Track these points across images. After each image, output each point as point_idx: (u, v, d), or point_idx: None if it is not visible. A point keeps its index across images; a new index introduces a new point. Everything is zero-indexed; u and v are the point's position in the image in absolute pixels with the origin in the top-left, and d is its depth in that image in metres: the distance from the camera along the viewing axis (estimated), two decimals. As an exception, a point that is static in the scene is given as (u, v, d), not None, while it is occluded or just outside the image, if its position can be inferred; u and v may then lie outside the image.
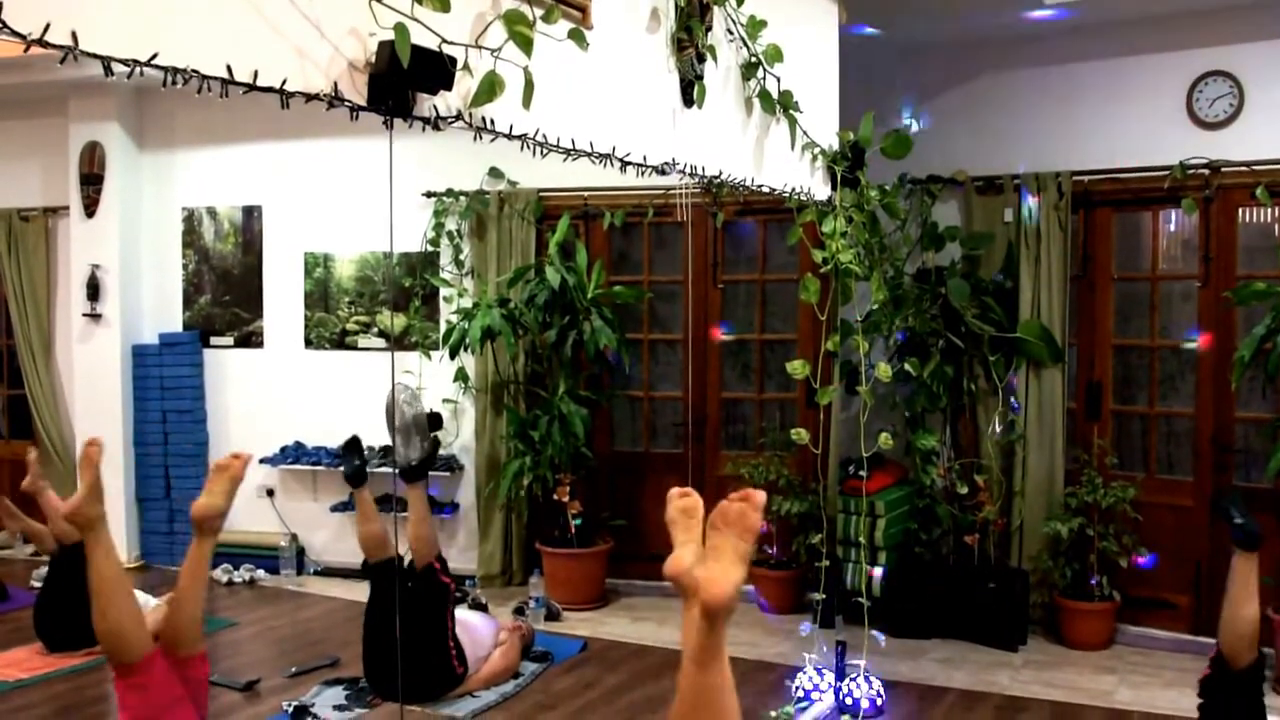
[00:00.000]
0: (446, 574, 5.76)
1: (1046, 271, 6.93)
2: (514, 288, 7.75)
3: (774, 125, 5.23)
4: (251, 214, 8.79)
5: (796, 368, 5.67)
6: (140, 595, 5.47)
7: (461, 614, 6.08)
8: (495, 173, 8.05)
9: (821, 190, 5.68)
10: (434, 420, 6.87)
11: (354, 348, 8.53)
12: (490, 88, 3.31)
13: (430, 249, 8.23)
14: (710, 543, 2.33)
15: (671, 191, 7.43)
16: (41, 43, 2.27)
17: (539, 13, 3.39)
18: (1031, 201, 6.94)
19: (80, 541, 6.29)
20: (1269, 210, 6.54)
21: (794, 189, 5.40)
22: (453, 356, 7.62)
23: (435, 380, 8.10)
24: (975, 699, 5.90)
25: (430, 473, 7.57)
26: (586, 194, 7.91)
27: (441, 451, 8.16)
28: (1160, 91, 6.80)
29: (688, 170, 4.57)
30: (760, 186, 5.17)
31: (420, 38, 2.99)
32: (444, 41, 3.12)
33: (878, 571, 6.84)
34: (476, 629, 6.03)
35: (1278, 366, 5.88)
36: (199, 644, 3.65)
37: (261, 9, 2.75)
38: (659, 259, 8.09)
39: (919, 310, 6.98)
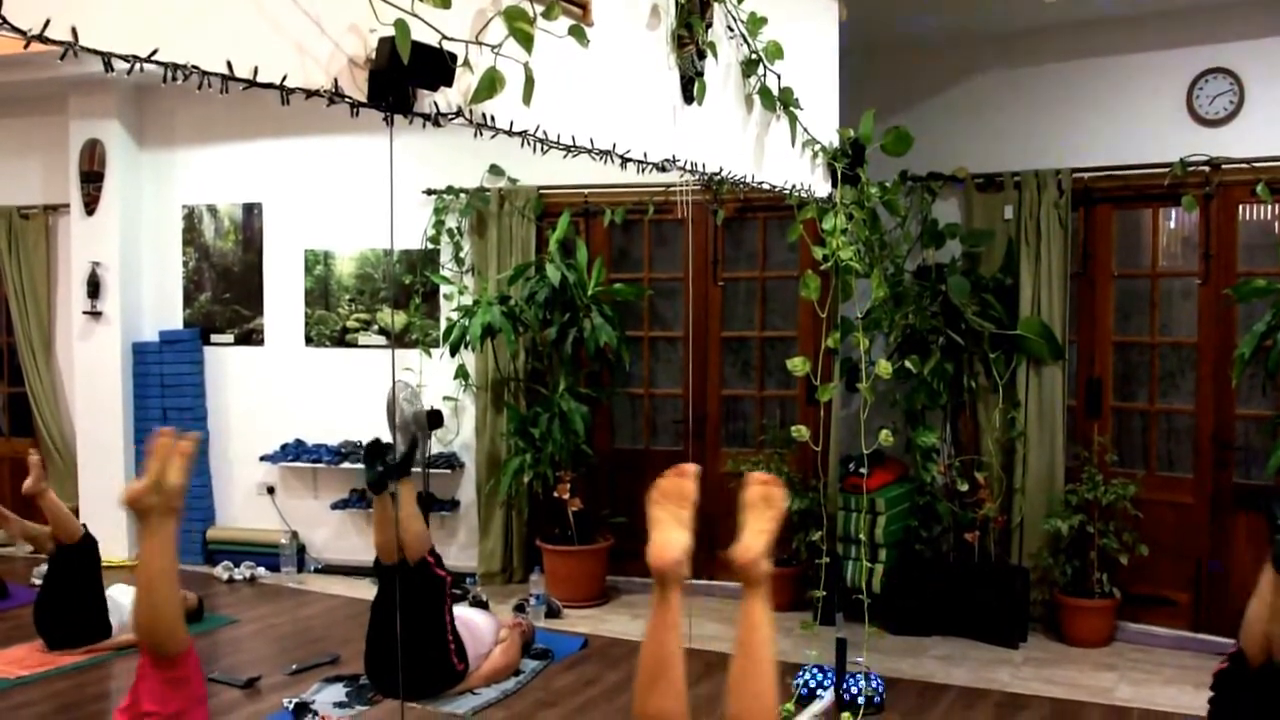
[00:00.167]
0: (441, 568, 5.75)
1: (1047, 269, 6.93)
2: (514, 285, 7.75)
3: (774, 122, 5.23)
4: (252, 211, 8.78)
5: (797, 365, 5.67)
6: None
7: (462, 611, 6.08)
8: (496, 170, 8.05)
9: (822, 187, 5.68)
10: (434, 418, 6.87)
11: (354, 345, 8.53)
12: (491, 84, 3.30)
13: (430, 246, 8.23)
14: (652, 515, 2.82)
15: (672, 189, 7.44)
16: (41, 39, 2.26)
17: (539, 9, 3.39)
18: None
19: (79, 542, 6.37)
20: (1269, 207, 6.54)
21: (794, 186, 5.40)
22: (453, 354, 7.63)
23: (436, 378, 8.10)
24: (975, 696, 5.90)
25: (431, 470, 7.63)
26: (587, 191, 7.91)
27: (442, 449, 8.18)
28: (1160, 89, 6.79)
29: (688, 167, 4.56)
30: (761, 183, 5.17)
31: (421, 34, 2.99)
32: (444, 38, 3.12)
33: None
34: (477, 626, 6.03)
35: (1278, 363, 5.87)
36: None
37: (262, 5, 2.75)
38: (659, 256, 8.09)
39: (919, 307, 6.98)
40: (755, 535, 2.82)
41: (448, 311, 8.05)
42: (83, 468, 8.73)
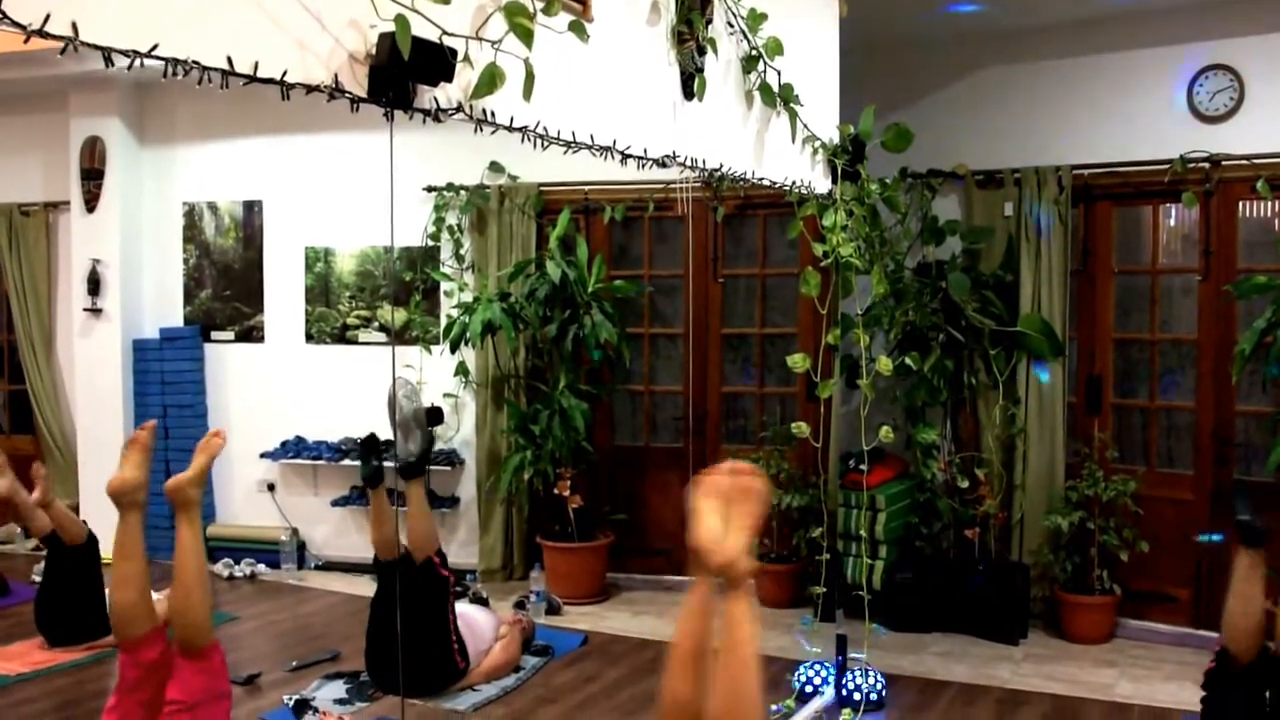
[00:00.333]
0: (446, 568, 5.76)
1: (1047, 265, 6.93)
2: (514, 282, 7.75)
3: (774, 118, 5.23)
4: (252, 209, 8.78)
5: (797, 361, 5.67)
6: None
7: (462, 608, 6.08)
8: (496, 167, 8.05)
9: (822, 184, 5.68)
10: (434, 415, 6.87)
11: (355, 342, 8.53)
12: (491, 80, 3.30)
13: (431, 243, 8.23)
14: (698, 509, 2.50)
15: (672, 186, 7.45)
16: (41, 33, 2.26)
17: (539, 5, 3.39)
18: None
19: (80, 540, 6.38)
20: (1269, 204, 6.54)
21: (794, 182, 5.40)
22: (453, 351, 7.63)
23: (436, 375, 8.11)
24: (976, 692, 5.91)
25: (430, 467, 7.62)
26: (587, 188, 7.92)
27: (442, 446, 8.18)
28: (1161, 85, 6.79)
29: (688, 163, 4.56)
30: (761, 180, 5.17)
31: (421, 29, 2.99)
32: (444, 33, 3.12)
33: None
34: (477, 623, 6.04)
35: (1279, 360, 5.87)
36: (152, 622, 3.67)
37: (261, 1, 2.74)
38: (659, 253, 8.09)
39: (919, 304, 6.98)
40: (734, 532, 2.53)
41: (448, 308, 8.05)
42: (83, 465, 8.72)
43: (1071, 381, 7.04)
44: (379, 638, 5.70)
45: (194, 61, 2.61)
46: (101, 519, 7.19)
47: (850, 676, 5.60)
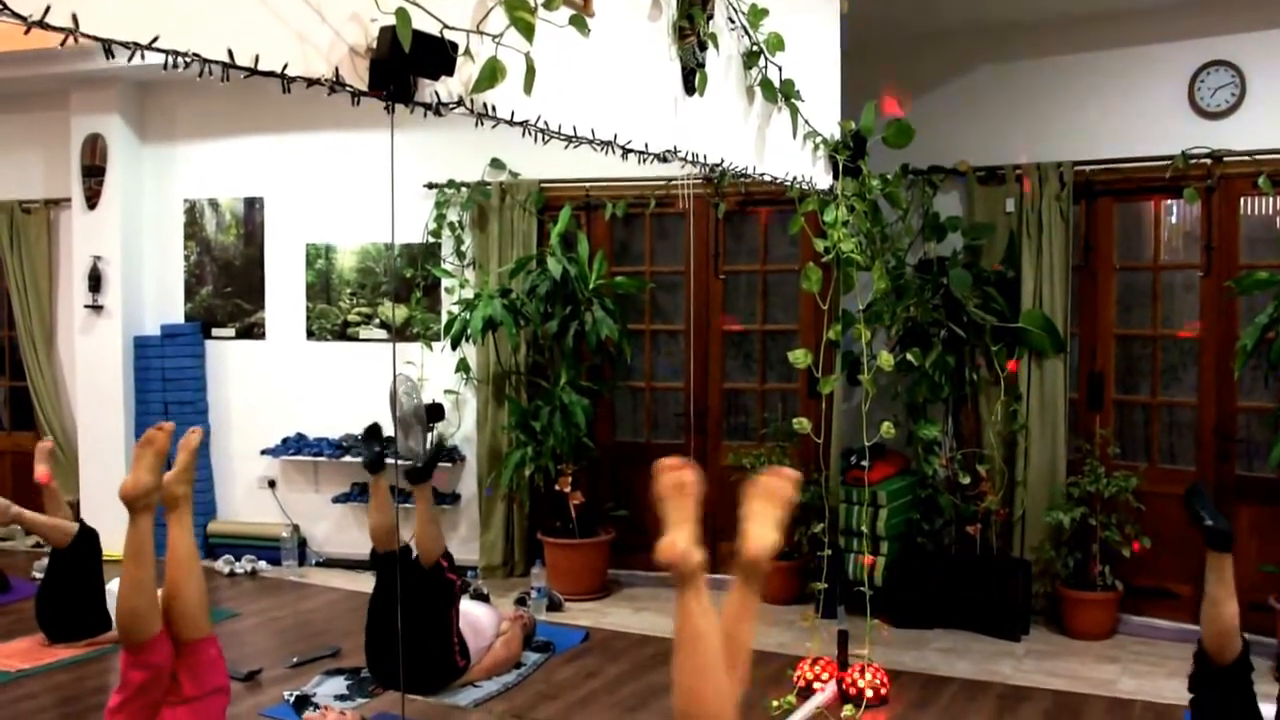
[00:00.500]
0: (453, 571, 5.76)
1: (1048, 261, 6.92)
2: (515, 278, 7.74)
3: (775, 114, 5.23)
4: (253, 205, 8.78)
5: (798, 357, 5.67)
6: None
7: (463, 604, 6.08)
8: (497, 164, 8.05)
9: (823, 179, 5.68)
10: (435, 411, 6.87)
11: (355, 339, 8.53)
12: (492, 74, 3.30)
13: (432, 240, 8.22)
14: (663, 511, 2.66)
15: (673, 182, 7.44)
16: (42, 24, 2.26)
17: (540, -1, 3.39)
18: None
19: (78, 539, 6.37)
20: (1271, 200, 6.53)
21: (796, 178, 5.40)
22: (454, 347, 7.63)
23: (437, 371, 8.11)
24: (978, 688, 5.90)
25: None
26: (588, 185, 7.91)
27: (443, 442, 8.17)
28: (1162, 81, 6.78)
29: (689, 158, 4.56)
30: (762, 175, 5.17)
31: (421, 23, 2.99)
32: (445, 27, 3.12)
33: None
34: (478, 619, 6.03)
35: (1280, 356, 5.87)
36: (159, 625, 3.65)
37: (262, -7, 2.74)
38: (660, 250, 8.08)
39: (921, 300, 6.97)
40: (768, 532, 2.81)
41: (449, 305, 8.04)
42: (84, 461, 8.73)
43: (1073, 378, 7.04)
44: (378, 634, 5.70)
45: (194, 54, 2.60)
46: (102, 515, 7.23)
47: (852, 668, 5.60)
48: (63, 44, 2.35)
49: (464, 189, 8.14)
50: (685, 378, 7.87)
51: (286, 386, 8.65)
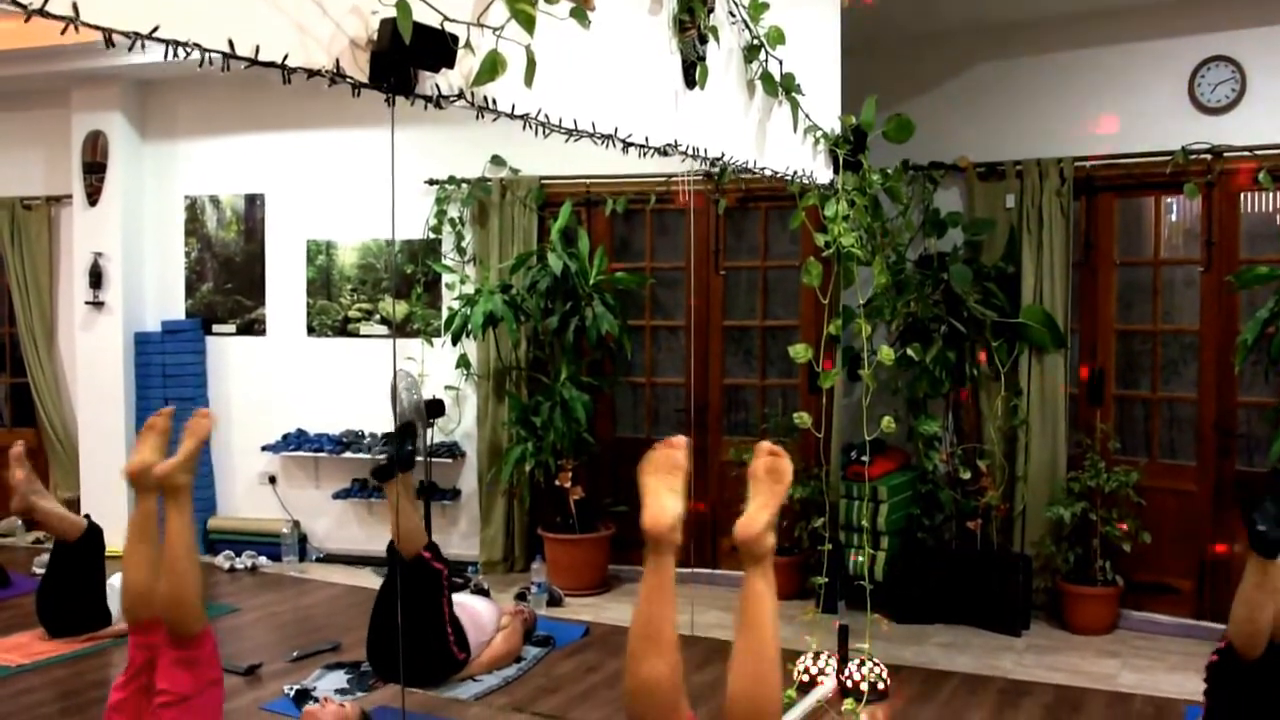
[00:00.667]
0: (439, 560, 5.74)
1: (1049, 257, 6.93)
2: (516, 274, 7.74)
3: (776, 108, 5.22)
4: (254, 202, 8.78)
5: (799, 351, 5.66)
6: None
7: (463, 599, 6.09)
8: (497, 160, 8.05)
9: (824, 174, 5.67)
10: (435, 407, 6.89)
11: (356, 335, 8.53)
12: (492, 66, 3.30)
13: (432, 236, 8.23)
14: (645, 484, 2.84)
15: (673, 178, 7.44)
16: (42, 13, 2.26)
17: (541, -10, 3.38)
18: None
19: (79, 540, 6.37)
20: (1271, 195, 6.53)
21: (796, 172, 5.39)
22: (454, 342, 7.63)
23: (437, 367, 8.11)
24: (978, 683, 5.90)
25: (432, 459, 7.62)
26: (589, 181, 7.91)
27: (444, 438, 8.18)
28: (1162, 77, 6.78)
29: (690, 152, 4.56)
30: (763, 169, 5.17)
31: (422, 15, 2.99)
32: (446, 19, 3.11)
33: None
34: (478, 613, 6.04)
35: (1280, 351, 5.87)
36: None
37: (263, -16, 2.74)
38: (661, 246, 8.08)
39: (921, 295, 6.97)
40: (759, 509, 2.81)
41: (449, 301, 8.05)
42: (84, 458, 8.74)
43: (1073, 373, 7.04)
44: (377, 628, 5.72)
45: (194, 44, 2.60)
46: (103, 511, 7.25)
47: (852, 667, 5.60)
48: (63, 32, 2.35)
49: (464, 185, 8.14)
50: (686, 373, 7.87)
51: (287, 383, 8.66)
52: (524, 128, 3.66)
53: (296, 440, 8.51)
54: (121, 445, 8.45)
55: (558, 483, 7.56)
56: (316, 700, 5.12)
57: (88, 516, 6.62)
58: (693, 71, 4.48)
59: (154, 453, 3.71)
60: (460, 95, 3.33)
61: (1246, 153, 6.45)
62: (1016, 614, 6.72)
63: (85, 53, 7.89)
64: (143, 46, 2.52)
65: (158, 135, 8.84)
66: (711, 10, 4.54)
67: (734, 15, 4.80)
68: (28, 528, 8.73)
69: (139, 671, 3.59)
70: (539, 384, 7.84)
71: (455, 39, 3.14)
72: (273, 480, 8.67)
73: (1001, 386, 7.01)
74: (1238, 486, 6.52)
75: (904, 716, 5.50)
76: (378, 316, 8.51)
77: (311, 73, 2.90)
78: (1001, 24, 7.16)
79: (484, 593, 6.73)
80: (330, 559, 8.46)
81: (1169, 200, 6.90)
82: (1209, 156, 6.56)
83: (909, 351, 6.57)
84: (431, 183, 8.18)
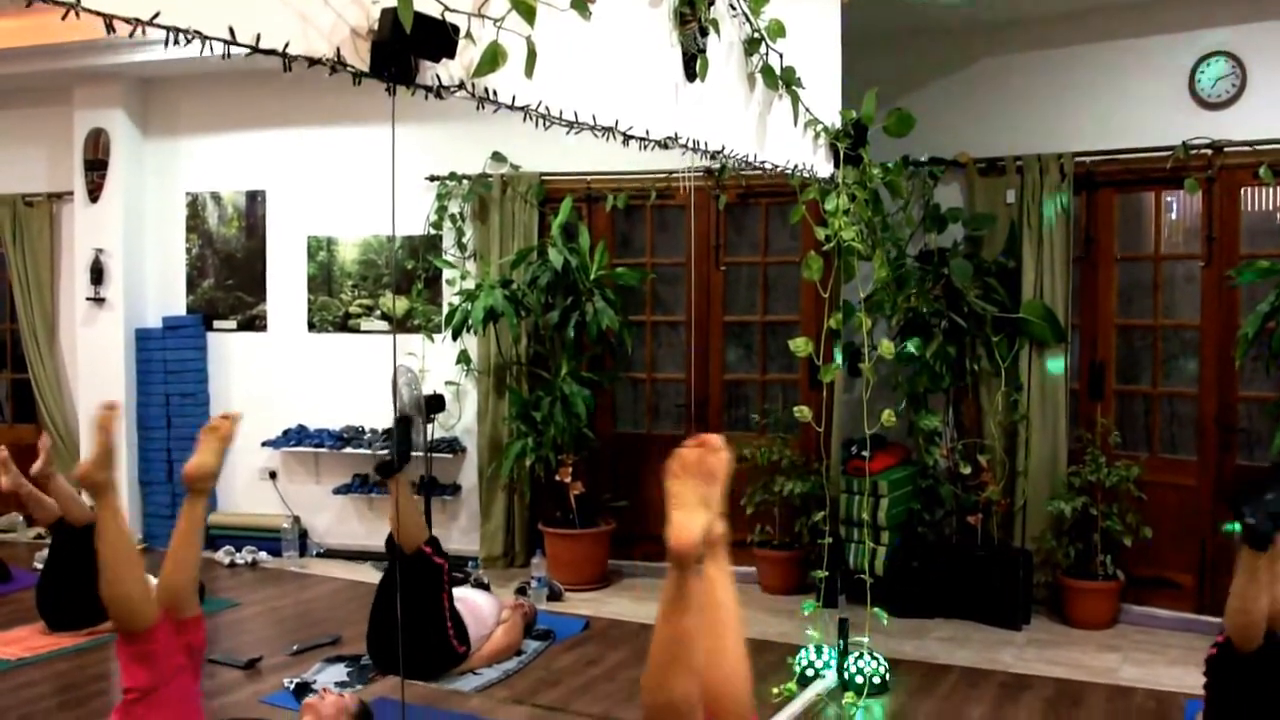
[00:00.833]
0: (440, 555, 5.75)
1: (1049, 252, 6.93)
2: (517, 269, 7.75)
3: (776, 101, 5.22)
4: (255, 198, 8.79)
5: (799, 345, 5.66)
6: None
7: (464, 592, 6.10)
8: (498, 157, 8.05)
9: (824, 168, 5.67)
10: (435, 402, 6.89)
11: (357, 331, 8.54)
12: (493, 57, 3.30)
13: (433, 232, 8.23)
14: (672, 491, 2.34)
15: (674, 174, 7.45)
16: (44, -2, 2.26)
17: (542, -19, 3.38)
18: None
19: (84, 526, 6.36)
20: (1272, 190, 6.54)
21: (796, 166, 5.39)
22: (455, 337, 7.64)
23: (438, 363, 8.12)
24: (979, 676, 5.91)
25: (433, 455, 7.63)
26: (589, 178, 7.92)
27: (444, 434, 8.18)
28: (1162, 72, 6.78)
29: (690, 145, 4.56)
30: (763, 163, 5.16)
31: (423, 5, 2.99)
32: (446, 9, 3.11)
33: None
34: (479, 607, 6.04)
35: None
36: (195, 607, 3.66)
37: (264, -27, 2.74)
38: (661, 242, 8.09)
39: (921, 290, 6.97)
40: (689, 515, 2.32)
41: (450, 296, 8.05)
42: (85, 453, 8.70)
43: (1074, 368, 7.04)
44: (376, 622, 5.74)
45: (195, 31, 2.60)
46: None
47: (852, 660, 5.61)
48: (64, 17, 2.35)
49: (465, 181, 8.14)
50: (686, 368, 7.88)
51: (288, 378, 8.67)
52: (524, 119, 3.65)
53: (297, 436, 8.52)
54: (122, 441, 8.46)
55: (558, 478, 7.56)
56: (316, 692, 5.12)
57: (92, 508, 6.61)
58: (693, 64, 4.47)
59: (214, 456, 3.71)
60: (461, 86, 3.32)
61: (1247, 147, 6.45)
62: (1017, 608, 6.72)
63: (87, 50, 7.90)
64: (143, 33, 2.51)
65: (159, 132, 8.85)
66: (712, 3, 4.54)
67: (734, 8, 4.80)
68: (29, 523, 8.73)
69: (179, 670, 3.58)
70: (539, 379, 7.84)
71: (456, 29, 3.14)
72: (273, 476, 8.68)
73: (1002, 381, 7.01)
74: (1238, 481, 6.52)
75: (905, 710, 5.50)
76: (378, 312, 8.52)
77: (312, 61, 2.89)
78: (1002, 19, 7.16)
79: (484, 587, 6.73)
80: (330, 554, 8.46)
81: (1169, 195, 6.90)
82: (1209, 151, 6.56)
83: (909, 346, 6.57)
84: (432, 179, 8.18)
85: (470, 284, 7.81)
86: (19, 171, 9.15)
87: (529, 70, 3.40)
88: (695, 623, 2.38)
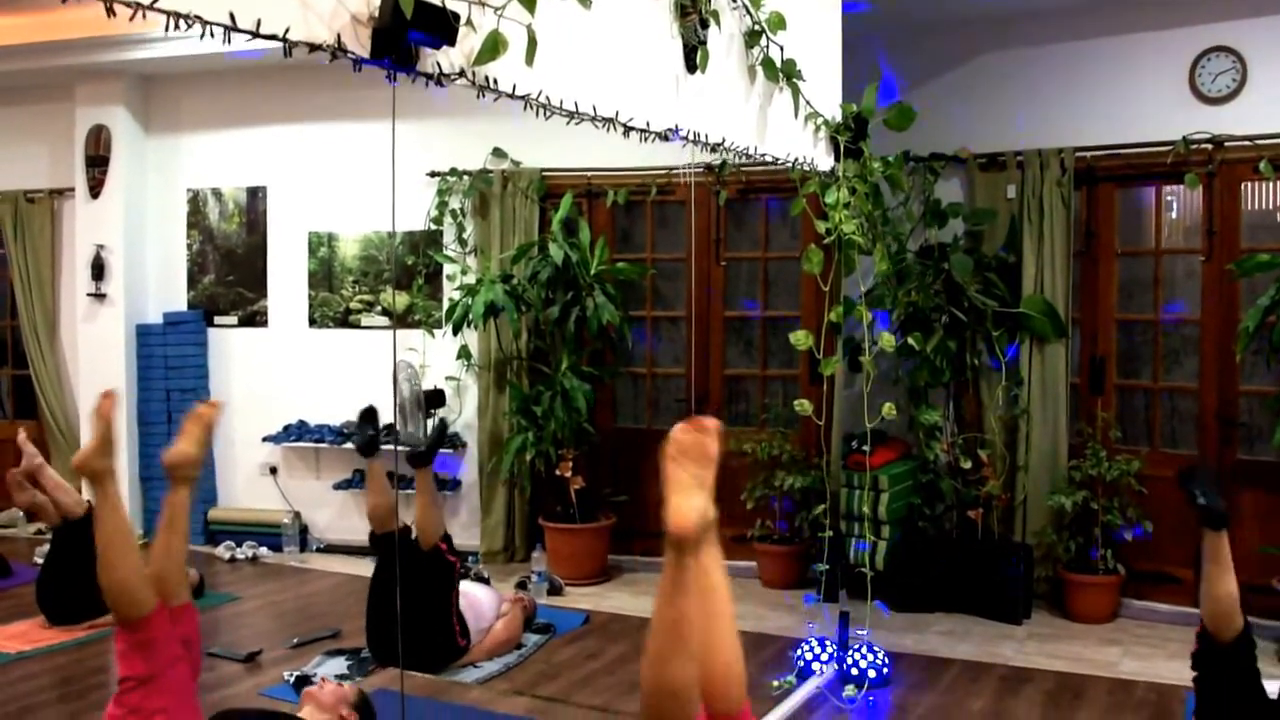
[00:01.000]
0: (453, 552, 5.78)
1: (1049, 247, 6.93)
2: (518, 264, 7.75)
3: (777, 94, 5.22)
4: (256, 195, 8.79)
5: (800, 338, 5.67)
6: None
7: (464, 586, 6.09)
8: (499, 153, 8.05)
9: (825, 161, 5.67)
10: (435, 397, 6.89)
11: (358, 326, 8.54)
12: (494, 46, 3.30)
13: (434, 227, 8.23)
14: (669, 474, 2.36)
15: (674, 170, 7.45)
16: (44, -20, 2.27)
17: (542, -31, 3.38)
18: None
19: (83, 517, 6.36)
20: (1272, 185, 6.53)
21: (797, 159, 5.39)
22: (455, 332, 7.64)
23: (438, 358, 8.12)
24: (980, 669, 5.91)
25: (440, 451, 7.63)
26: (590, 174, 7.92)
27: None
28: (1163, 67, 6.78)
29: (690, 137, 4.56)
30: (763, 155, 5.16)
31: (424, -9, 2.99)
32: (447, -5, 3.12)
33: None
34: (479, 600, 6.05)
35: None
36: (184, 594, 3.64)
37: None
38: (662, 238, 8.09)
39: (922, 285, 6.97)
40: (686, 498, 2.35)
41: (450, 291, 8.05)
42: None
43: (1074, 363, 7.04)
44: (379, 615, 5.73)
45: (195, 16, 2.60)
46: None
47: (853, 650, 5.61)
48: (64, 1, 2.35)
49: (466, 177, 8.14)
50: (686, 364, 7.88)
51: (288, 374, 8.67)
52: (525, 108, 3.65)
53: (297, 431, 8.52)
54: (123, 436, 8.46)
55: (558, 472, 7.56)
56: (315, 684, 5.12)
57: (88, 501, 6.62)
58: (694, 56, 4.47)
59: (195, 444, 3.67)
60: (461, 74, 3.32)
61: (1247, 142, 6.45)
62: (1017, 603, 6.72)
63: (89, 47, 7.91)
64: (144, 16, 2.51)
65: (161, 129, 8.86)
66: (713, -6, 4.55)
67: (735, 0, 4.80)
68: (29, 519, 8.72)
69: (176, 658, 3.57)
70: (540, 374, 7.84)
71: (457, 16, 3.14)
72: (274, 471, 8.68)
73: (1002, 376, 7.01)
74: (1240, 475, 6.52)
75: (906, 702, 5.50)
76: (379, 308, 8.52)
77: (313, 47, 2.89)
78: (1002, 14, 7.16)
79: (484, 581, 6.73)
80: (331, 549, 8.47)
81: (1169, 191, 6.90)
82: (1210, 146, 6.56)
83: (910, 341, 6.57)
84: (433, 174, 8.18)
85: (471, 279, 7.81)
86: (21, 168, 9.15)
87: (529, 59, 3.41)
88: (694, 608, 2.39)
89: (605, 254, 7.66)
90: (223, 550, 8.30)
